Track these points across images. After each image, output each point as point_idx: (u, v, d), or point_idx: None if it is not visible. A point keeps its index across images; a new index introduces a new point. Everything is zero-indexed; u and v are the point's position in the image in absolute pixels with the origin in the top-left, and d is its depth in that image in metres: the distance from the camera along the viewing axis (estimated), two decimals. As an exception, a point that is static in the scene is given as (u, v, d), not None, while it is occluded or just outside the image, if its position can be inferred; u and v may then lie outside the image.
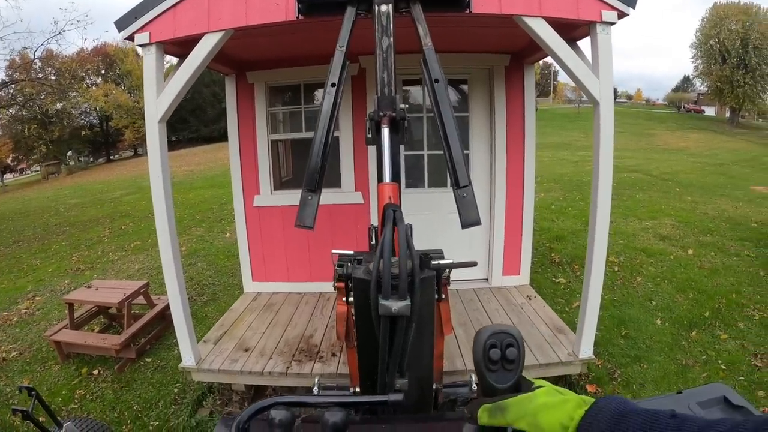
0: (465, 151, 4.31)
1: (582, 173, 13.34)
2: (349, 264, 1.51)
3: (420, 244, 1.87)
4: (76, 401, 3.60)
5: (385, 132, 1.57)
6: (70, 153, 36.33)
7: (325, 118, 1.61)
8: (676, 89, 73.72)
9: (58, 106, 18.98)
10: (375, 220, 2.93)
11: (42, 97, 16.41)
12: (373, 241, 2.09)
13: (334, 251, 1.69)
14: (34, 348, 4.51)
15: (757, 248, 6.33)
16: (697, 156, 20.51)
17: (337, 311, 1.67)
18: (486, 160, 4.55)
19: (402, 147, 4.32)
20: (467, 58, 4.26)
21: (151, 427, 3.26)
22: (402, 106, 1.63)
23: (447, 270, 1.54)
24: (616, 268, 5.74)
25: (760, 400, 3.21)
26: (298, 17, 2.58)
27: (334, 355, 3.38)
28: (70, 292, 5.30)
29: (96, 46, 32.33)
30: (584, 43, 2.94)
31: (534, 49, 3.71)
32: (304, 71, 4.30)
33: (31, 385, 1.82)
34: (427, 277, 1.29)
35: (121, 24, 2.84)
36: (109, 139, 38.30)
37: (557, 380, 3.28)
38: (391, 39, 1.76)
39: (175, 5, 2.76)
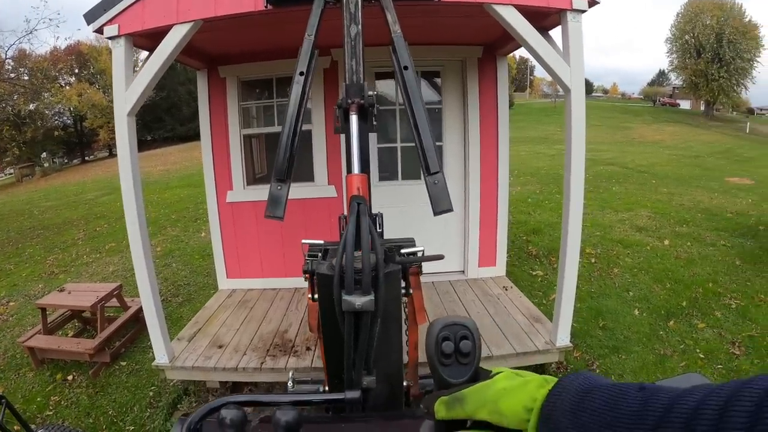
0: (438, 143, 4.33)
1: (558, 167, 13.45)
2: (314, 260, 1.48)
3: (394, 236, 1.85)
4: (51, 408, 3.50)
5: (354, 119, 1.53)
6: (44, 154, 35.31)
7: (294, 107, 1.57)
8: (652, 83, 75.38)
9: (31, 107, 18.50)
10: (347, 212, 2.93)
11: (15, 98, 15.94)
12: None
13: (304, 241, 1.66)
14: (8, 355, 4.37)
15: (733, 238, 6.46)
16: (673, 148, 20.96)
17: (308, 304, 1.64)
18: (460, 152, 4.55)
19: (374, 139, 4.30)
20: (440, 50, 4.26)
21: (126, 432, 3.18)
22: (371, 93, 1.60)
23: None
24: (593, 260, 5.79)
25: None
26: (266, 7, 2.54)
27: (308, 349, 3.36)
28: (43, 296, 5.15)
29: (69, 45, 31.63)
30: (556, 33, 2.96)
31: (506, 40, 3.72)
32: (276, 65, 4.25)
33: (2, 393, 1.75)
34: (392, 271, 1.26)
35: (90, 16, 2.82)
36: (83, 140, 37.29)
37: (535, 371, 3.30)
38: (359, 27, 1.73)
39: (143, -4, 2.71)
